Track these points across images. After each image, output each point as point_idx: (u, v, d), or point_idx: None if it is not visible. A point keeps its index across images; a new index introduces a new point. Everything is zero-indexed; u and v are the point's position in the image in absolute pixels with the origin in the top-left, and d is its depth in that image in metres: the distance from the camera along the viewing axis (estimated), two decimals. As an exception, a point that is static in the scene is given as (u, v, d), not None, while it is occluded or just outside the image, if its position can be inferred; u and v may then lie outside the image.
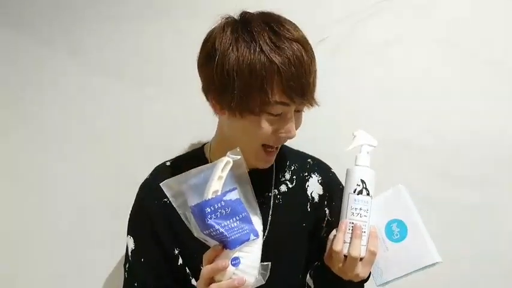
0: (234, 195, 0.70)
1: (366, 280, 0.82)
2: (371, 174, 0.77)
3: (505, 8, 1.10)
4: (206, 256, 0.72)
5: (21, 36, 1.13)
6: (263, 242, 0.87)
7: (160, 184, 0.72)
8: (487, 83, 1.11)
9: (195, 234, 0.72)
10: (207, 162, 0.91)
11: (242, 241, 0.69)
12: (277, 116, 0.77)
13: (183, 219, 0.72)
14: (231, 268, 0.69)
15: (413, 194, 1.06)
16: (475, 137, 1.12)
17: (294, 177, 0.95)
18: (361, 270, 0.75)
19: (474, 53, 1.11)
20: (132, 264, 0.92)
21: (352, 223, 0.75)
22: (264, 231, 0.88)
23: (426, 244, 0.75)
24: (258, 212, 0.76)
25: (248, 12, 0.82)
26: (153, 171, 0.96)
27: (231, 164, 0.71)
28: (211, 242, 0.71)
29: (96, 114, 1.14)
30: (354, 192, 0.75)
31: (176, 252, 0.88)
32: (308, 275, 0.93)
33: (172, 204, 0.72)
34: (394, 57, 1.11)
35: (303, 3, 1.09)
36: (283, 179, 0.95)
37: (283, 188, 0.94)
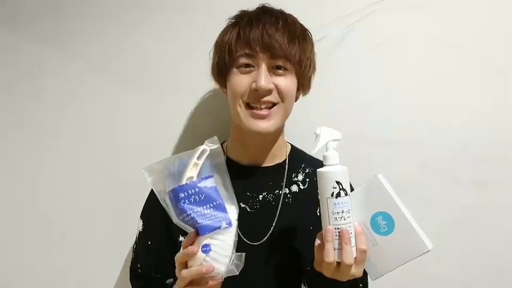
0: (209, 183, 0.72)
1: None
2: (344, 171, 0.73)
3: (504, 7, 1.09)
4: (183, 242, 0.73)
5: (18, 35, 1.14)
6: (267, 239, 0.89)
7: (142, 169, 0.73)
8: (487, 82, 1.10)
9: (173, 220, 0.73)
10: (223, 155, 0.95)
11: (213, 228, 0.70)
12: (247, 68, 0.84)
13: (163, 205, 0.74)
14: (201, 254, 0.70)
15: (412, 193, 1.05)
16: (475, 137, 1.10)
17: (307, 179, 0.95)
18: (355, 271, 0.74)
19: (474, 52, 1.09)
20: (139, 246, 0.96)
21: (338, 228, 0.72)
22: (269, 228, 0.90)
23: (416, 234, 0.72)
24: (235, 201, 0.77)
25: (264, 5, 0.90)
26: None
27: (207, 152, 0.73)
28: (189, 229, 0.72)
29: (96, 114, 1.15)
30: (332, 196, 0.72)
31: (180, 239, 0.90)
32: (302, 285, 0.91)
33: (153, 189, 0.74)
34: (392, 57, 1.11)
35: (301, 4, 1.09)
36: (296, 179, 0.95)
37: (294, 188, 0.94)
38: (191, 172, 0.70)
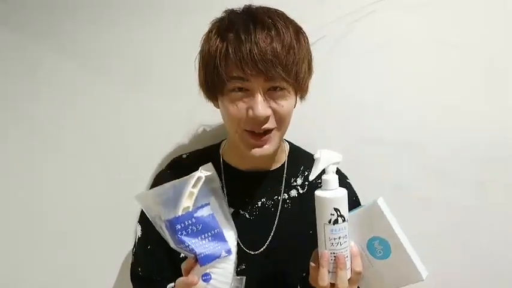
0: (206, 211, 0.71)
1: None
2: (343, 196, 0.72)
3: (504, 7, 1.07)
4: (183, 266, 0.73)
5: (18, 35, 1.13)
6: (266, 247, 0.89)
7: (134, 197, 0.73)
8: (487, 82, 1.09)
9: (171, 246, 0.73)
10: (219, 159, 0.94)
11: (213, 258, 0.70)
12: (240, 92, 0.77)
13: (158, 229, 0.73)
14: (201, 283, 0.70)
15: (412, 193, 1.06)
16: (475, 137, 1.10)
17: (306, 183, 0.93)
18: None
19: (474, 53, 1.08)
20: (138, 251, 0.96)
21: (334, 253, 0.72)
22: (268, 235, 0.90)
23: (412, 263, 0.73)
24: (233, 227, 0.76)
25: (250, 6, 0.83)
26: (169, 162, 0.99)
27: (202, 180, 0.71)
28: (189, 255, 0.72)
29: (96, 114, 1.14)
30: (330, 222, 0.71)
31: None
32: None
33: (147, 216, 0.73)
34: (392, 57, 1.10)
35: (300, 3, 1.08)
36: (295, 183, 0.93)
37: (293, 193, 0.93)
38: (187, 202, 0.70)
